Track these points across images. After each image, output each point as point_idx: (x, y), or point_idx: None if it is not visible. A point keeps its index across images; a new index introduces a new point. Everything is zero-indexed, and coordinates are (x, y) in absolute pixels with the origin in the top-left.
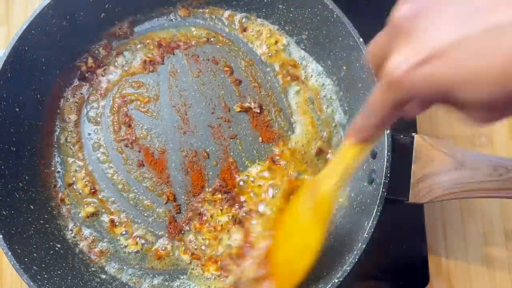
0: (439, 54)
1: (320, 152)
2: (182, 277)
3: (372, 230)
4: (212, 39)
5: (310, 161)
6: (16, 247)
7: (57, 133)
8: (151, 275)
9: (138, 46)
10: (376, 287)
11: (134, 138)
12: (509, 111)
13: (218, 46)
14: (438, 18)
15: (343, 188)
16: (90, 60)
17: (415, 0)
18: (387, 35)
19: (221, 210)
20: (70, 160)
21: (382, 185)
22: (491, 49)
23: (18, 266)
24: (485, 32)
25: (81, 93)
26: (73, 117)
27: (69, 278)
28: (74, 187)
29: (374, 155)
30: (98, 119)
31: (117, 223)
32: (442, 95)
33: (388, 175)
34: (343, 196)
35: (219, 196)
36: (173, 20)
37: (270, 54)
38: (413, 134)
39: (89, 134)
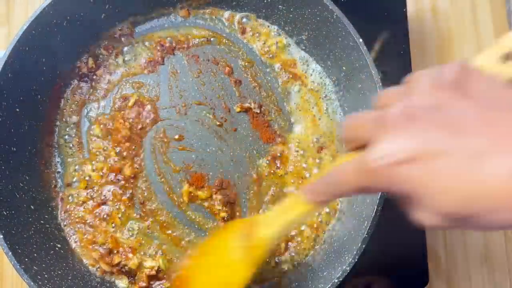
0: (421, 160)
1: (322, 149)
2: None
3: (372, 230)
4: (212, 40)
5: (312, 159)
6: (17, 247)
7: (57, 134)
8: None
9: (139, 46)
10: (376, 286)
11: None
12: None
13: (218, 47)
14: (428, 127)
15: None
16: (90, 61)
17: (412, 104)
18: (374, 121)
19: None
20: (70, 160)
21: None
22: (463, 180)
23: (18, 266)
24: (467, 160)
25: (81, 94)
26: (73, 117)
27: (70, 278)
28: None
29: None
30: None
31: None
32: (406, 196)
33: None
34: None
35: (219, 196)
36: (173, 20)
37: (270, 55)
38: None
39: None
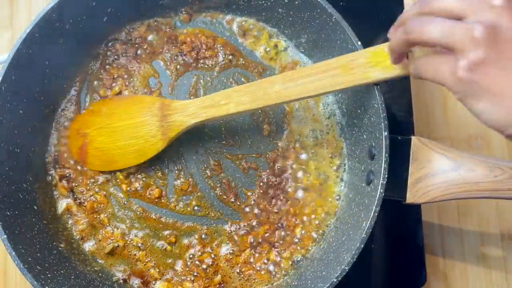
0: (493, 68)
1: (322, 148)
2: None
3: (370, 230)
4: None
5: (312, 158)
6: (20, 247)
7: (59, 135)
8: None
9: (139, 49)
10: (374, 286)
11: None
12: None
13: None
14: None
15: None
16: (92, 63)
17: (487, 21)
18: (463, 33)
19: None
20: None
21: (380, 186)
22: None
23: (22, 266)
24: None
25: (84, 96)
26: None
27: (72, 277)
28: None
29: (372, 157)
30: None
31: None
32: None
33: (386, 176)
34: (341, 197)
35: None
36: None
37: (269, 57)
38: (411, 136)
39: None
